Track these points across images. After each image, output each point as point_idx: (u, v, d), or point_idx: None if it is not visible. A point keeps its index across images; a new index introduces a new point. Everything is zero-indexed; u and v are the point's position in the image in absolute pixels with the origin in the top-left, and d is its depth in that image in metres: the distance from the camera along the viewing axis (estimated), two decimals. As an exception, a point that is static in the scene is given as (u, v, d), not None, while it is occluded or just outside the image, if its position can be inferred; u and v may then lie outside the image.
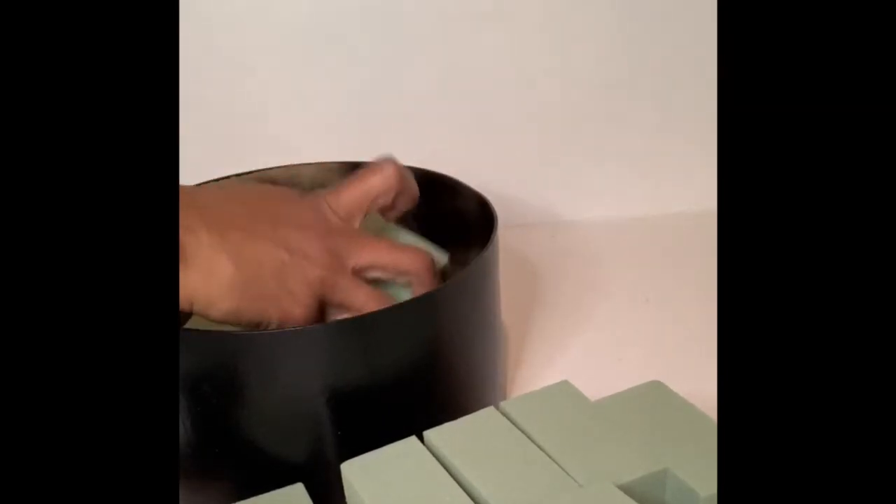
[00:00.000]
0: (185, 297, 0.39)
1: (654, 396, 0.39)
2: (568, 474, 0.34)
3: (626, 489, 0.33)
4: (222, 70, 0.68)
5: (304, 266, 0.42)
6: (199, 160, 0.52)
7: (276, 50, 0.68)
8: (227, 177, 0.55)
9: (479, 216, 0.50)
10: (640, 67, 0.70)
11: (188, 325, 0.45)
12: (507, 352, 0.55)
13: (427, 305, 0.42)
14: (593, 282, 0.65)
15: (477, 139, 0.71)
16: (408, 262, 0.45)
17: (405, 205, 0.49)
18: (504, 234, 0.49)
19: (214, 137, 0.68)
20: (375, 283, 0.46)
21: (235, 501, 0.35)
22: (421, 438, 0.37)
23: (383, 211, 0.48)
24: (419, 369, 0.43)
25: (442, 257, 0.50)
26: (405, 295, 0.46)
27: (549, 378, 0.42)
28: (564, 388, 0.40)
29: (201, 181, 0.54)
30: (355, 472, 0.35)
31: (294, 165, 0.56)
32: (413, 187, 0.49)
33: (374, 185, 0.47)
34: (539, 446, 0.36)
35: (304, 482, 0.36)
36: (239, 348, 0.40)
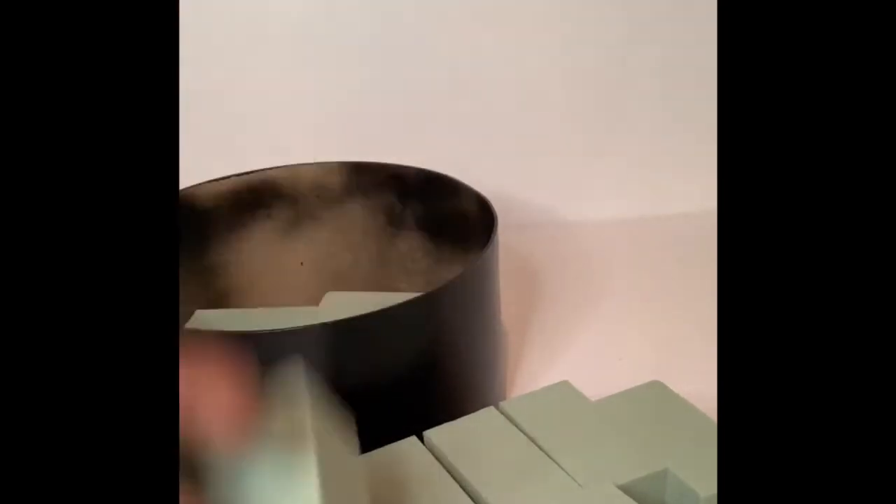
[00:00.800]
0: None
1: (654, 396, 0.39)
2: (568, 474, 0.34)
3: (626, 489, 0.33)
4: (222, 70, 0.68)
5: None
6: (199, 160, 0.52)
7: (276, 50, 0.68)
8: (228, 177, 0.55)
9: (479, 216, 0.50)
10: (640, 67, 0.70)
11: (188, 325, 0.45)
12: (507, 352, 0.55)
13: (427, 305, 0.42)
14: (593, 282, 0.65)
15: (477, 139, 0.71)
16: None
17: None
18: (504, 234, 0.49)
19: (214, 137, 0.67)
20: None
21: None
22: (421, 438, 0.37)
23: None
24: (419, 369, 0.43)
25: None
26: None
27: (549, 378, 0.42)
28: (564, 388, 0.40)
29: (201, 181, 0.54)
30: (355, 472, 0.35)
31: (294, 165, 0.56)
32: None
33: None
34: (539, 446, 0.36)
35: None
36: (238, 348, 0.40)
